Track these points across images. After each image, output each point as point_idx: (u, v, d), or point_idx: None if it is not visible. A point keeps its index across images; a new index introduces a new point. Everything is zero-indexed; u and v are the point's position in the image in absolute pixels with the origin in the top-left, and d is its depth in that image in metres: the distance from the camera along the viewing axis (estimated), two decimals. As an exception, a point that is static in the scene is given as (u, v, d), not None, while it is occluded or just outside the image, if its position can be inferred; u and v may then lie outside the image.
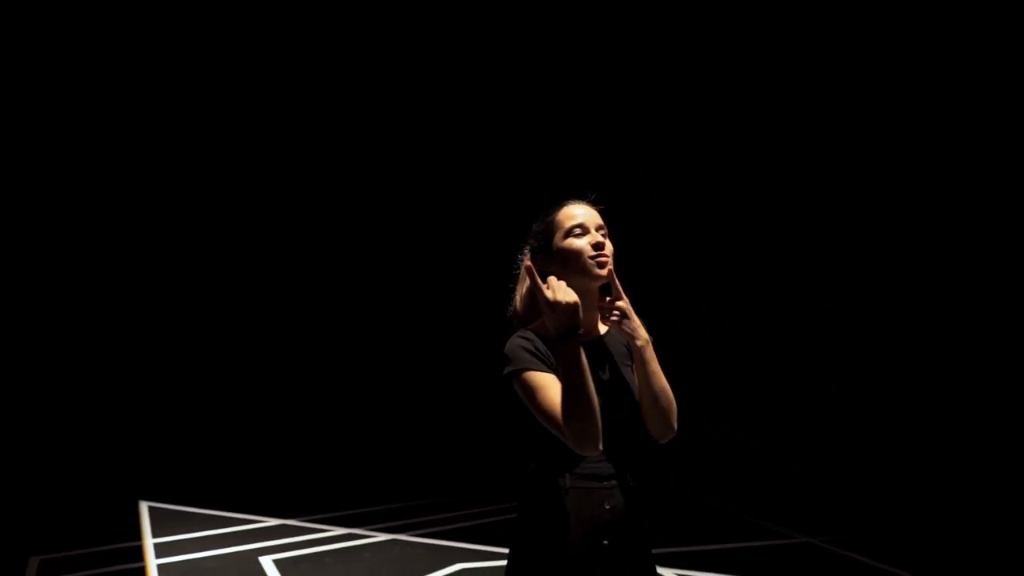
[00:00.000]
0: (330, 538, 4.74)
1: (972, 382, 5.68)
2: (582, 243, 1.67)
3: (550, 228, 1.75)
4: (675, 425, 1.71)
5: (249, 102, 8.10)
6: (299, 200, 8.42)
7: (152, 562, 4.19)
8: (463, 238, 8.20)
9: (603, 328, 1.77)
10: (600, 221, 1.73)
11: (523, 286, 1.82)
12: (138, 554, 4.33)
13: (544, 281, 1.54)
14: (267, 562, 4.22)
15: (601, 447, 1.51)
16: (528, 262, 1.61)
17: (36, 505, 5.44)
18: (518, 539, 1.68)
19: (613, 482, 1.63)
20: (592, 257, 1.65)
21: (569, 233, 1.69)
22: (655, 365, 1.68)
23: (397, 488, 6.19)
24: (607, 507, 1.61)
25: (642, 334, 1.68)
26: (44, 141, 7.35)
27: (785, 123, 7.61)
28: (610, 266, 1.66)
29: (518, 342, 1.65)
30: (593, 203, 1.78)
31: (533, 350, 1.62)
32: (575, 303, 1.49)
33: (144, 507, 5.34)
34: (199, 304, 7.98)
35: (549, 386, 1.55)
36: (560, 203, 1.78)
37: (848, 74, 7.32)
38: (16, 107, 7.16)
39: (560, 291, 1.50)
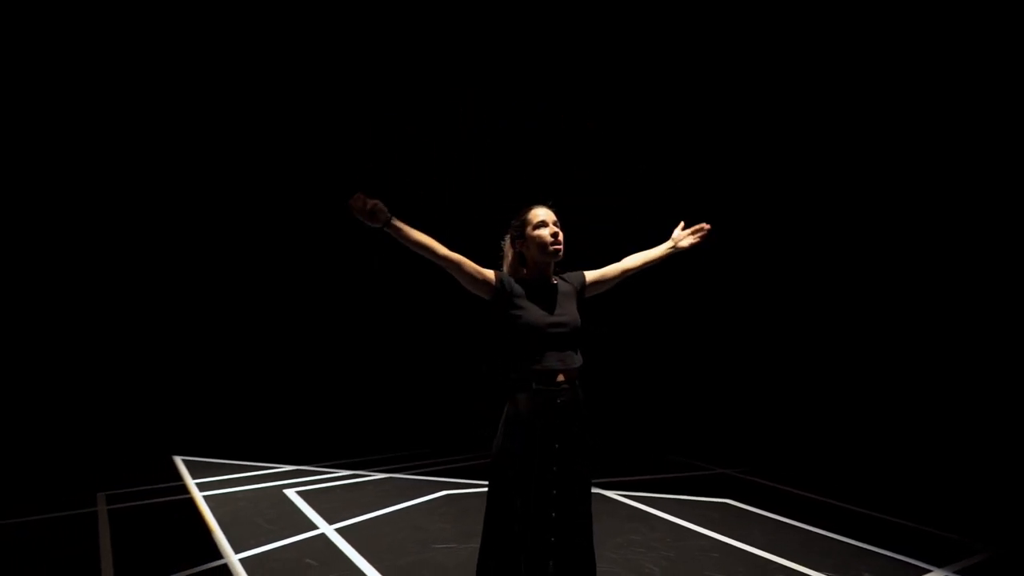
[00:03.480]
0: (338, 476, 5.80)
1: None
2: (544, 233, 2.67)
3: (524, 222, 2.73)
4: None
5: (243, 101, 8.33)
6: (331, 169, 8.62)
7: (198, 493, 5.21)
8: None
9: (555, 280, 2.75)
10: (555, 218, 2.72)
11: (507, 256, 2.82)
12: (184, 489, 5.35)
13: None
14: (291, 493, 5.27)
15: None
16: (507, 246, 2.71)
17: (90, 457, 6.39)
18: (502, 422, 2.65)
19: (564, 383, 2.61)
20: (551, 243, 2.67)
21: (536, 226, 2.69)
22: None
23: (391, 440, 7.28)
24: (559, 401, 2.59)
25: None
26: (40, 135, 7.53)
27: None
28: (560, 249, 2.66)
29: (502, 272, 2.72)
30: (550, 206, 2.76)
31: (506, 276, 2.68)
32: (372, 209, 2.44)
33: (178, 459, 6.34)
34: (220, 283, 8.61)
35: (475, 263, 2.65)
36: (529, 205, 2.76)
37: (847, 74, 7.68)
38: (16, 107, 7.31)
39: (368, 212, 2.44)
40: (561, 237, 2.69)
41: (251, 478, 5.72)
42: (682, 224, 3.05)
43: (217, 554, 3.99)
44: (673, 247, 3.01)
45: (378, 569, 3.75)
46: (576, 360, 2.66)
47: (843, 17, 7.66)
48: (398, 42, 8.47)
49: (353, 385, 8.75)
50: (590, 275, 2.85)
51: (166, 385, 8.13)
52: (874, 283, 7.21)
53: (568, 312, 2.69)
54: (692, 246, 3.02)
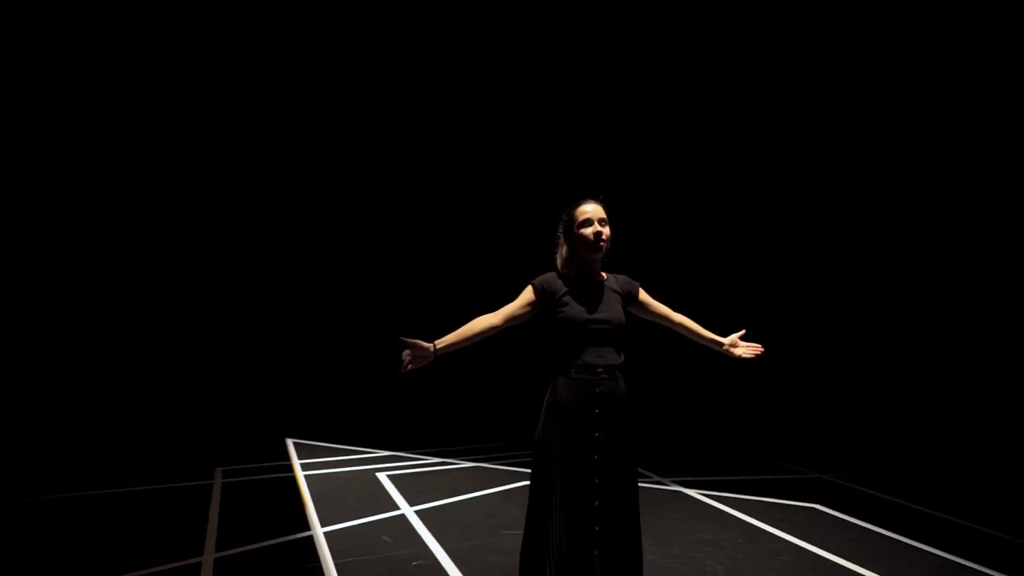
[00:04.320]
0: (429, 463, 6.10)
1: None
2: (588, 232, 2.74)
3: (572, 218, 2.80)
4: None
5: (242, 101, 8.39)
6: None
7: (300, 473, 5.67)
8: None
9: (603, 276, 2.82)
10: (603, 215, 2.76)
11: (561, 250, 2.89)
12: (290, 468, 5.83)
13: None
14: (382, 476, 5.61)
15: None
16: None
17: (217, 438, 7.10)
18: (543, 411, 2.75)
19: (603, 374, 2.68)
20: (593, 242, 2.74)
21: (582, 224, 2.76)
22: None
23: (482, 432, 7.52)
24: (598, 390, 2.66)
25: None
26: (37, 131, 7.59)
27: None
28: (604, 247, 2.72)
29: (545, 275, 2.82)
30: (600, 201, 2.81)
31: (544, 281, 2.77)
32: (420, 355, 2.60)
33: (290, 442, 6.90)
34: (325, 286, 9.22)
35: (515, 300, 2.76)
36: (579, 201, 2.81)
37: (847, 74, 7.82)
38: (16, 107, 7.34)
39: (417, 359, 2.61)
40: (606, 234, 2.74)
41: (349, 461, 6.13)
42: (743, 332, 3.01)
43: (306, 527, 4.35)
44: (723, 347, 2.99)
45: (444, 549, 3.95)
46: (616, 357, 2.72)
47: (843, 17, 7.67)
48: (398, 42, 8.52)
49: (460, 375, 8.97)
50: (643, 295, 2.88)
51: (288, 374, 8.77)
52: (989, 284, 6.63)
53: (612, 310, 2.74)
54: (739, 358, 3.00)
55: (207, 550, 3.96)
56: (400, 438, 7.18)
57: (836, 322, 8.26)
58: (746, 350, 2.97)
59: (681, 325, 2.92)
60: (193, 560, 3.80)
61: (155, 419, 7.65)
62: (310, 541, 4.09)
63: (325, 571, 3.65)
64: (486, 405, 8.79)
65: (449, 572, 3.64)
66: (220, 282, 8.61)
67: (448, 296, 8.61)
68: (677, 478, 5.68)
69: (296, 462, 6.06)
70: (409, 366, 2.59)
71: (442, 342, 2.63)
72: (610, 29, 8.54)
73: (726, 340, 2.97)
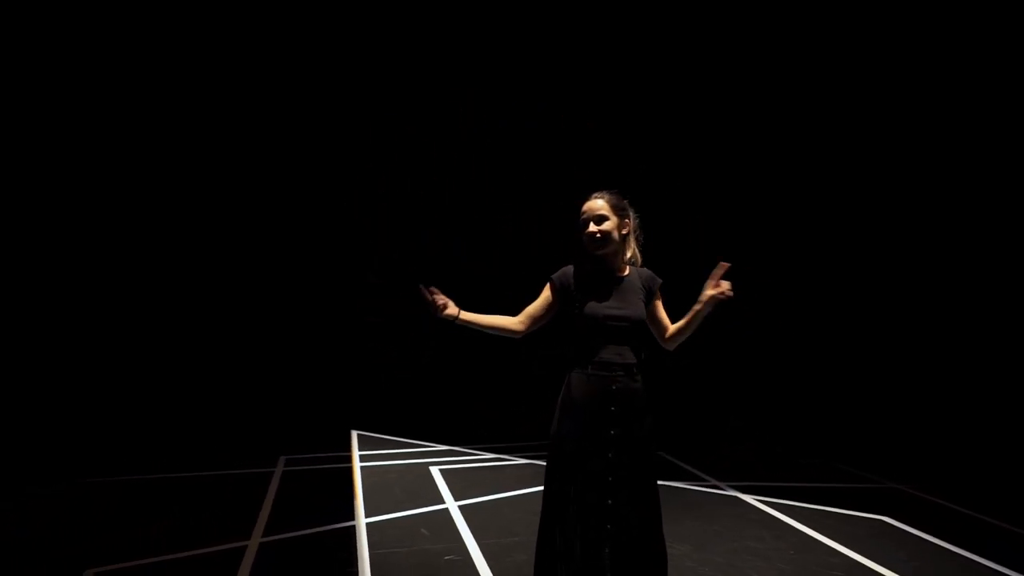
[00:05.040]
0: (482, 459, 6.12)
1: None
2: (585, 231, 2.71)
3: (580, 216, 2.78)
4: (672, 348, 2.78)
5: (242, 101, 8.38)
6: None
7: (357, 464, 5.82)
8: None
9: (626, 271, 2.75)
10: (600, 212, 2.68)
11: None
12: (348, 459, 6.00)
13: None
14: (434, 470, 5.67)
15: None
16: None
17: (287, 427, 7.39)
18: (557, 407, 2.71)
19: (619, 372, 2.60)
20: (587, 242, 2.69)
21: (581, 223, 2.73)
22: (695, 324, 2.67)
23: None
24: (613, 388, 2.59)
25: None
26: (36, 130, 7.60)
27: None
28: (597, 246, 2.65)
29: (563, 268, 2.77)
30: (611, 192, 2.73)
31: (560, 276, 2.74)
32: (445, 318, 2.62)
33: (355, 433, 7.09)
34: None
35: (536, 300, 2.74)
36: (586, 196, 2.76)
37: (847, 74, 7.85)
38: (15, 107, 7.35)
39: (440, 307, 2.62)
40: (600, 232, 2.66)
41: (406, 454, 6.24)
42: (726, 267, 2.65)
43: (350, 516, 4.46)
44: (703, 306, 2.61)
45: (478, 545, 3.95)
46: (634, 355, 2.65)
47: (843, 17, 7.69)
48: (398, 42, 8.48)
49: (531, 374, 8.94)
50: (658, 296, 2.79)
51: (357, 368, 8.98)
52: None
53: (631, 306, 2.67)
54: (718, 301, 2.59)
55: (255, 534, 4.13)
56: (462, 433, 7.25)
57: (910, 321, 7.84)
58: (715, 291, 2.58)
59: (670, 338, 2.76)
60: (239, 544, 3.97)
61: (233, 410, 8.03)
62: (351, 531, 4.19)
63: (359, 561, 3.72)
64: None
65: (479, 568, 3.63)
66: (274, 278, 8.72)
67: (448, 296, 8.63)
68: (735, 483, 5.44)
69: (356, 453, 6.22)
70: (436, 313, 2.63)
71: (466, 315, 2.66)
72: (610, 29, 8.47)
73: (702, 298, 2.61)
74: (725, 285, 2.57)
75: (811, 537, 4.24)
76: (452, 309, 2.62)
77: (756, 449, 6.84)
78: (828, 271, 8.39)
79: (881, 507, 4.90)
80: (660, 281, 2.78)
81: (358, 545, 3.95)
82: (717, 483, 5.43)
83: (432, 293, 2.64)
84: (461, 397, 8.72)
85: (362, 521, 4.37)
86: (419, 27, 8.37)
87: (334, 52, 8.35)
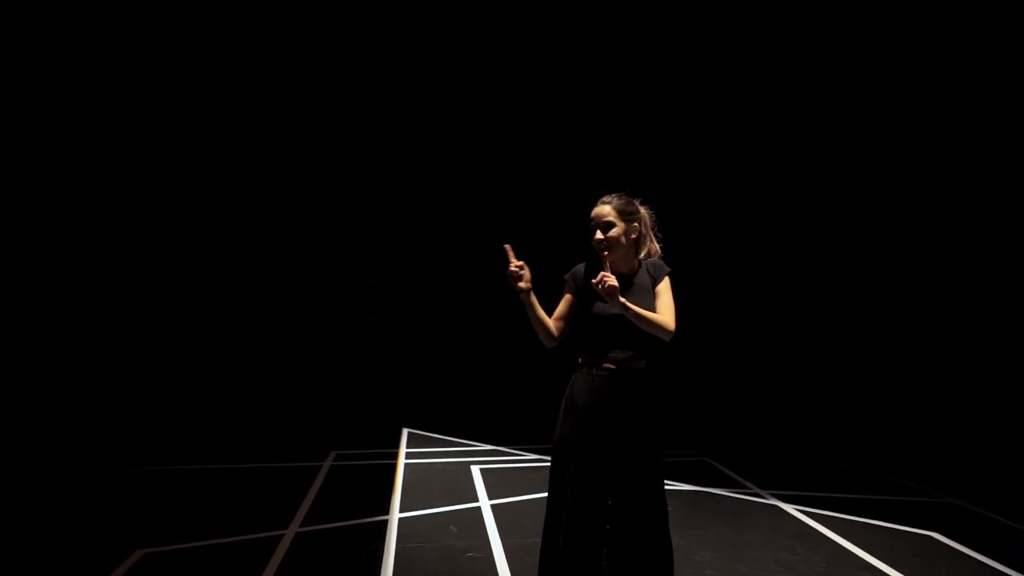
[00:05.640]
0: (526, 459, 6.18)
1: None
2: (593, 238, 2.72)
3: None
4: (664, 337, 2.62)
5: (242, 101, 8.39)
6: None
7: (402, 460, 6.00)
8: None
9: (638, 269, 2.75)
10: (606, 219, 2.70)
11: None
12: (395, 456, 6.18)
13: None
14: (475, 469, 5.78)
15: (552, 344, 2.70)
16: None
17: (342, 424, 7.67)
18: (562, 406, 2.75)
19: (623, 373, 2.62)
20: (596, 248, 2.72)
21: (590, 231, 2.75)
22: (630, 315, 2.59)
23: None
24: (616, 388, 2.60)
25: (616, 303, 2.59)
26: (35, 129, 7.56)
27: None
28: (605, 252, 2.65)
29: (576, 266, 2.81)
30: (618, 196, 2.75)
31: (571, 274, 2.79)
32: (517, 289, 2.58)
33: (405, 431, 7.29)
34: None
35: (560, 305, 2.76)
36: (595, 201, 2.78)
37: (848, 73, 7.91)
38: (15, 107, 7.31)
39: (520, 277, 2.57)
40: (606, 240, 2.67)
41: (451, 452, 6.37)
42: None
43: (385, 510, 4.61)
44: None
45: (502, 542, 4.02)
46: (640, 354, 2.65)
47: (843, 17, 7.72)
48: (398, 42, 8.44)
49: (526, 370, 8.68)
50: (661, 284, 2.74)
51: (410, 368, 9.13)
52: None
53: (640, 305, 2.64)
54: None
55: (292, 524, 4.34)
56: (508, 433, 7.33)
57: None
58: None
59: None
60: (277, 533, 4.18)
61: (290, 407, 8.37)
62: (383, 525, 4.34)
63: (385, 554, 3.86)
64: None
65: (498, 566, 3.70)
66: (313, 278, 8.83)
67: (448, 296, 8.64)
68: (777, 491, 5.30)
69: (402, 450, 6.41)
70: (513, 280, 2.57)
71: (533, 299, 2.63)
72: (609, 29, 8.39)
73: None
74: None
75: (847, 550, 4.10)
76: (525, 284, 2.57)
77: (756, 449, 6.82)
78: (828, 271, 8.38)
79: (934, 523, 4.67)
80: (668, 269, 2.75)
81: (387, 538, 4.09)
82: (759, 491, 5.30)
83: (517, 263, 2.59)
84: (503, 397, 8.68)
85: (395, 516, 4.51)
86: (419, 27, 8.41)
87: (334, 52, 8.43)
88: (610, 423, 2.61)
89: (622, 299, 2.52)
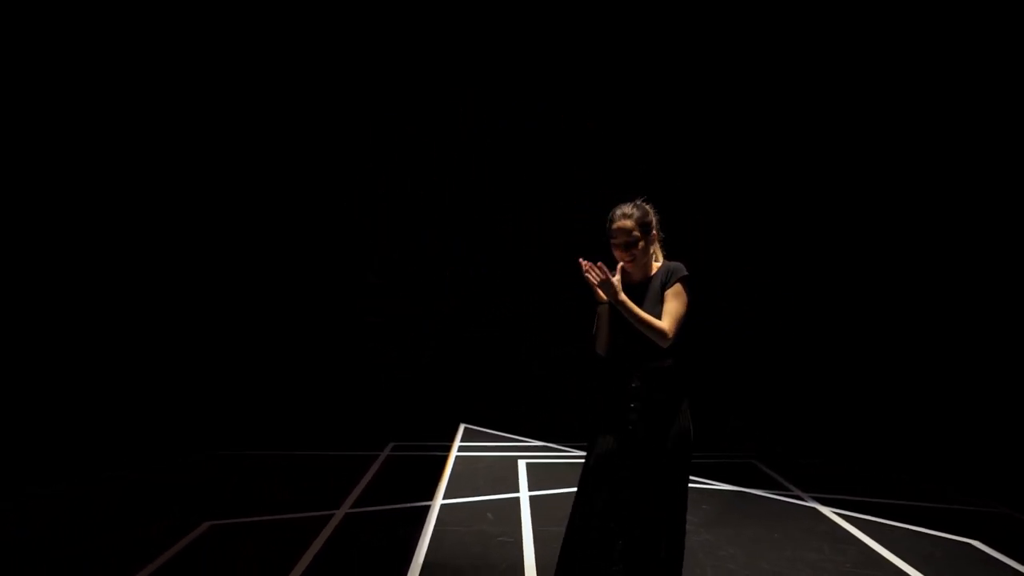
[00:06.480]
0: (572, 456, 6.38)
1: None
2: (615, 251, 2.84)
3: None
4: (659, 342, 2.73)
5: (242, 101, 8.43)
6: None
7: (454, 453, 6.31)
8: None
9: (653, 271, 2.88)
10: (631, 237, 2.79)
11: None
12: (448, 448, 6.50)
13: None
14: (521, 463, 6.02)
15: (603, 351, 2.85)
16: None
17: (405, 417, 8.06)
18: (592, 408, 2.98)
19: (639, 373, 2.77)
20: (620, 259, 2.85)
21: (612, 245, 2.86)
22: (625, 315, 2.74)
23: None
24: (633, 385, 2.78)
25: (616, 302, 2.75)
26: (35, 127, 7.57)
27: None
28: (624, 262, 2.80)
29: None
30: (635, 208, 2.85)
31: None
32: (606, 298, 2.72)
33: (462, 426, 7.61)
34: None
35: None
36: (617, 205, 2.88)
37: (848, 73, 7.87)
38: (15, 107, 7.30)
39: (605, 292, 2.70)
40: (632, 254, 2.80)
41: (502, 447, 6.64)
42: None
43: (430, 497, 4.92)
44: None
45: (533, 532, 4.25)
46: (657, 357, 2.75)
47: (843, 16, 7.73)
48: (398, 42, 8.42)
49: (526, 370, 8.80)
50: (671, 289, 2.83)
51: (475, 367, 9.28)
52: None
53: (648, 308, 2.77)
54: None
55: (344, 505, 4.71)
56: (560, 431, 7.52)
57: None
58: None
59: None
60: (328, 512, 4.56)
61: (354, 400, 8.74)
62: (424, 510, 4.64)
63: (421, 535, 4.16)
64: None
65: (524, 552, 3.93)
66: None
67: (448, 296, 8.62)
68: (818, 494, 5.29)
69: (456, 443, 6.72)
70: (607, 289, 2.66)
71: (605, 310, 2.80)
72: (609, 29, 8.35)
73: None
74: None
75: (878, 553, 4.10)
76: (611, 293, 2.66)
77: (757, 449, 6.85)
78: (828, 271, 8.27)
79: (977, 530, 4.58)
80: (683, 273, 2.84)
81: (426, 521, 4.39)
82: (800, 493, 5.31)
83: (603, 269, 2.66)
84: (503, 397, 8.67)
85: (438, 502, 4.81)
86: (419, 27, 8.48)
87: (334, 53, 8.52)
88: (627, 421, 2.76)
89: (622, 297, 2.68)
